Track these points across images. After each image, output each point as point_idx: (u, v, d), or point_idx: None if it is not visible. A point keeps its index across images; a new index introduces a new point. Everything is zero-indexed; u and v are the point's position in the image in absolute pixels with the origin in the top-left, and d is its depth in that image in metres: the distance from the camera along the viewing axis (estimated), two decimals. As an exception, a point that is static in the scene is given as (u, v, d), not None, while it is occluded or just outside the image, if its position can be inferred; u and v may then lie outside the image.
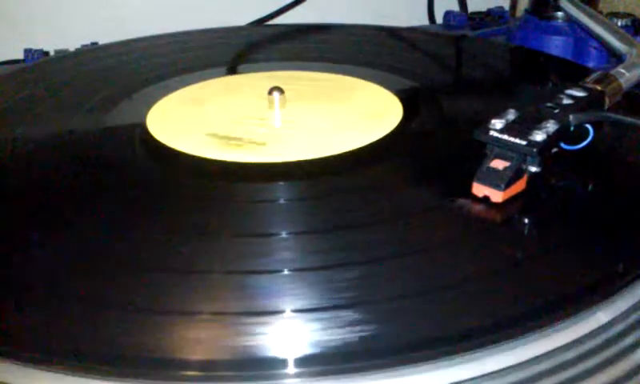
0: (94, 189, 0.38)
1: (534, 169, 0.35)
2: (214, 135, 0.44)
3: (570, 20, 0.63)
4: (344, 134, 0.44)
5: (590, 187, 0.38)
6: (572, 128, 0.37)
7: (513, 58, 0.64)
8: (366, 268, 0.30)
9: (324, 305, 0.28)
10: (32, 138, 0.45)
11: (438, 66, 0.62)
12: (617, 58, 0.53)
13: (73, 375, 0.25)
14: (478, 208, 0.34)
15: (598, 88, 0.41)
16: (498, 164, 0.35)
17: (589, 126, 0.37)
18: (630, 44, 0.51)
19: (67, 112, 0.49)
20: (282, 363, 0.25)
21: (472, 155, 0.36)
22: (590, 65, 0.62)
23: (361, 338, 0.26)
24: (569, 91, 0.40)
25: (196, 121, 0.46)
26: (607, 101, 0.41)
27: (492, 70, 0.60)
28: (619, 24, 0.62)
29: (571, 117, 0.37)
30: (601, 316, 0.28)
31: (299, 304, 0.28)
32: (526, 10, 0.69)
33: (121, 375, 0.25)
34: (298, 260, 0.31)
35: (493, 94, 0.53)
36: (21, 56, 0.66)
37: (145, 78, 0.55)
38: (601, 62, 0.63)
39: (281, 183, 0.38)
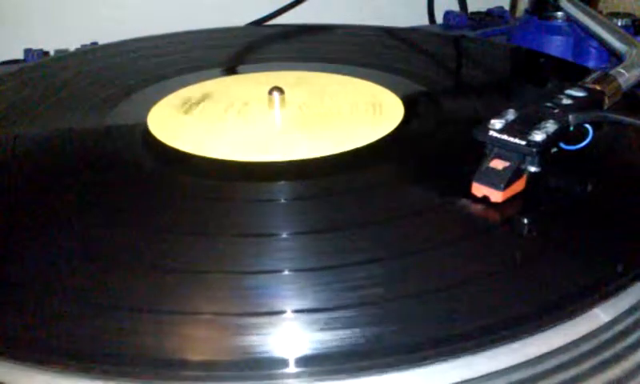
0: (94, 188, 0.38)
1: (533, 169, 0.35)
2: (214, 135, 0.44)
3: (570, 20, 0.63)
4: (344, 134, 0.44)
5: (589, 187, 0.38)
6: (571, 128, 0.37)
7: (513, 58, 0.64)
8: (366, 268, 0.30)
9: (324, 305, 0.28)
10: (32, 137, 0.45)
11: (438, 66, 0.61)
12: (617, 57, 0.53)
13: (73, 375, 0.25)
14: (478, 208, 0.34)
15: (598, 88, 0.41)
16: (498, 164, 0.35)
17: (588, 126, 0.37)
18: (630, 44, 0.51)
19: (67, 112, 0.49)
20: (283, 363, 0.25)
21: (472, 155, 0.36)
22: (590, 65, 0.62)
23: (361, 338, 0.26)
24: (568, 91, 0.40)
25: (196, 121, 0.46)
26: (607, 101, 0.41)
27: (492, 70, 0.60)
28: (619, 24, 0.62)
29: (571, 117, 0.37)
30: (601, 316, 0.28)
31: (300, 304, 0.28)
32: (526, 10, 0.69)
33: (120, 375, 0.25)
34: (298, 260, 0.31)
35: (493, 94, 0.54)
36: (21, 56, 0.66)
37: (145, 78, 0.55)
38: (601, 62, 0.63)
39: (281, 183, 0.38)
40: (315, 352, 0.25)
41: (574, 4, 0.61)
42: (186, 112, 0.46)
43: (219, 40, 0.67)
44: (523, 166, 0.35)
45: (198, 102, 0.44)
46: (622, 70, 0.44)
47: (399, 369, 0.25)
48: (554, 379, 0.26)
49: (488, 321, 0.27)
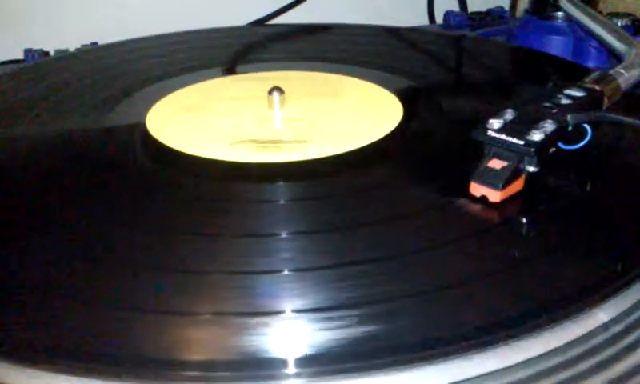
0: (93, 189, 0.38)
1: (531, 168, 0.35)
2: (214, 135, 0.44)
3: (570, 20, 0.63)
4: (344, 134, 0.44)
5: (588, 187, 0.38)
6: (570, 128, 0.37)
7: (513, 58, 0.64)
8: (366, 268, 0.30)
9: (324, 305, 0.28)
10: (32, 137, 0.45)
11: (438, 66, 0.62)
12: (616, 58, 0.53)
13: (73, 375, 0.25)
14: (476, 208, 0.34)
15: (597, 88, 0.41)
16: (496, 164, 0.35)
17: (587, 126, 0.37)
18: (630, 44, 0.51)
19: (67, 112, 0.49)
20: (282, 363, 0.25)
21: (471, 155, 0.36)
22: (590, 65, 0.62)
23: (361, 338, 0.26)
24: (567, 91, 0.40)
25: (196, 121, 0.46)
26: (606, 101, 0.41)
27: (492, 70, 0.60)
28: (619, 24, 0.62)
29: (569, 117, 0.37)
30: (601, 315, 0.28)
31: (299, 304, 0.28)
32: (526, 10, 0.70)
33: (121, 375, 0.25)
34: (297, 260, 0.31)
35: (492, 93, 0.54)
36: (21, 56, 0.66)
37: (145, 78, 0.55)
38: (601, 62, 0.63)
39: (281, 183, 0.38)
40: (315, 352, 0.25)
41: (574, 4, 0.61)
42: (186, 112, 0.46)
43: (219, 40, 0.67)
44: (522, 166, 0.35)
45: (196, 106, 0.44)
46: (622, 70, 0.44)
47: (399, 369, 0.25)
48: (555, 379, 0.26)
49: (487, 321, 0.27)
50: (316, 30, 0.71)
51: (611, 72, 0.44)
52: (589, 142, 0.37)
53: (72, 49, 0.66)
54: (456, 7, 0.85)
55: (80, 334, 0.27)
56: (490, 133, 0.36)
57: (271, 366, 0.25)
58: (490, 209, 0.34)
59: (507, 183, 0.34)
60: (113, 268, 0.31)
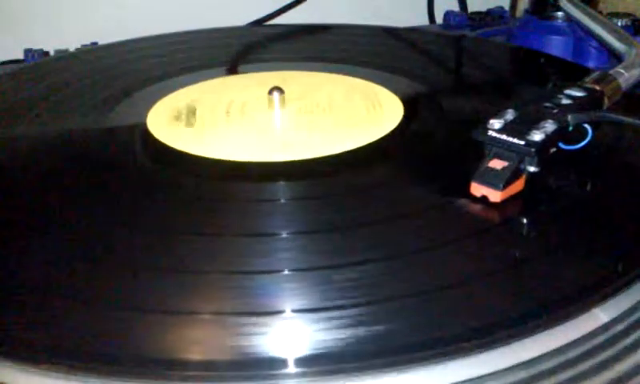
0: (93, 189, 0.38)
1: (532, 169, 0.35)
2: (213, 134, 0.44)
3: (570, 20, 0.63)
4: (344, 134, 0.44)
5: (588, 187, 0.38)
6: (570, 128, 0.37)
7: (513, 58, 0.64)
8: (366, 268, 0.30)
9: (324, 305, 0.28)
10: (32, 137, 0.45)
11: (438, 66, 0.62)
12: (617, 58, 0.53)
13: (73, 375, 0.25)
14: (476, 208, 0.34)
15: (597, 88, 0.41)
16: (497, 164, 0.35)
17: (587, 126, 0.37)
18: (630, 44, 0.51)
19: (67, 112, 0.49)
20: (282, 363, 0.25)
21: (471, 155, 0.36)
22: (590, 65, 0.62)
23: (361, 338, 0.26)
24: (568, 91, 0.40)
25: (196, 121, 0.46)
26: (606, 101, 0.41)
27: (492, 70, 0.60)
28: (619, 24, 0.62)
29: (570, 117, 0.37)
30: (600, 316, 0.28)
31: (299, 304, 0.28)
32: (526, 10, 0.70)
33: (120, 375, 0.25)
34: (297, 260, 0.31)
35: (493, 94, 0.54)
36: (21, 56, 0.66)
37: (145, 78, 0.55)
38: (601, 62, 0.63)
39: (281, 183, 0.38)
40: (315, 352, 0.25)
41: (574, 4, 0.61)
42: (187, 119, 0.46)
43: (219, 40, 0.67)
44: (522, 166, 0.35)
45: (194, 112, 0.45)
46: (622, 70, 0.44)
47: (399, 369, 0.25)
48: (555, 379, 0.26)
49: (487, 321, 0.27)
50: (316, 30, 0.71)
51: (611, 72, 0.44)
52: (589, 142, 0.37)
53: (72, 49, 0.66)
54: (456, 7, 0.85)
55: (80, 333, 0.27)
56: (490, 133, 0.36)
57: (271, 365, 0.25)
58: (491, 209, 0.34)
59: (508, 183, 0.34)
60: (113, 268, 0.31)
